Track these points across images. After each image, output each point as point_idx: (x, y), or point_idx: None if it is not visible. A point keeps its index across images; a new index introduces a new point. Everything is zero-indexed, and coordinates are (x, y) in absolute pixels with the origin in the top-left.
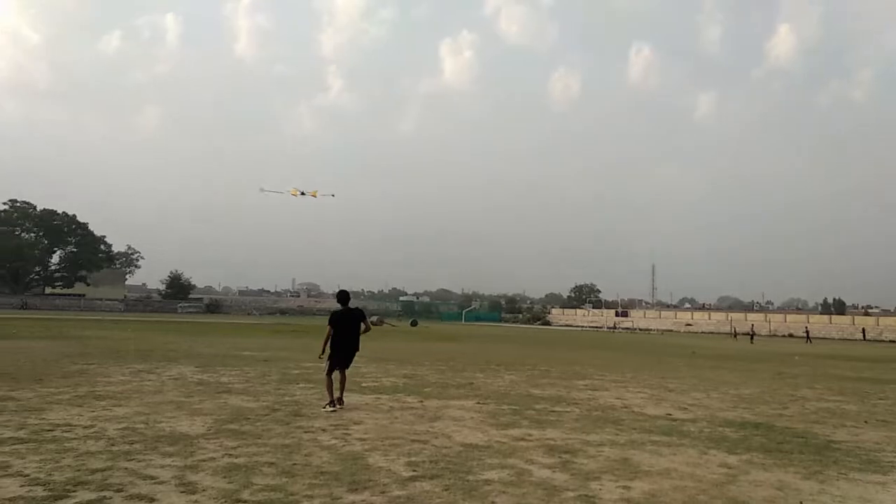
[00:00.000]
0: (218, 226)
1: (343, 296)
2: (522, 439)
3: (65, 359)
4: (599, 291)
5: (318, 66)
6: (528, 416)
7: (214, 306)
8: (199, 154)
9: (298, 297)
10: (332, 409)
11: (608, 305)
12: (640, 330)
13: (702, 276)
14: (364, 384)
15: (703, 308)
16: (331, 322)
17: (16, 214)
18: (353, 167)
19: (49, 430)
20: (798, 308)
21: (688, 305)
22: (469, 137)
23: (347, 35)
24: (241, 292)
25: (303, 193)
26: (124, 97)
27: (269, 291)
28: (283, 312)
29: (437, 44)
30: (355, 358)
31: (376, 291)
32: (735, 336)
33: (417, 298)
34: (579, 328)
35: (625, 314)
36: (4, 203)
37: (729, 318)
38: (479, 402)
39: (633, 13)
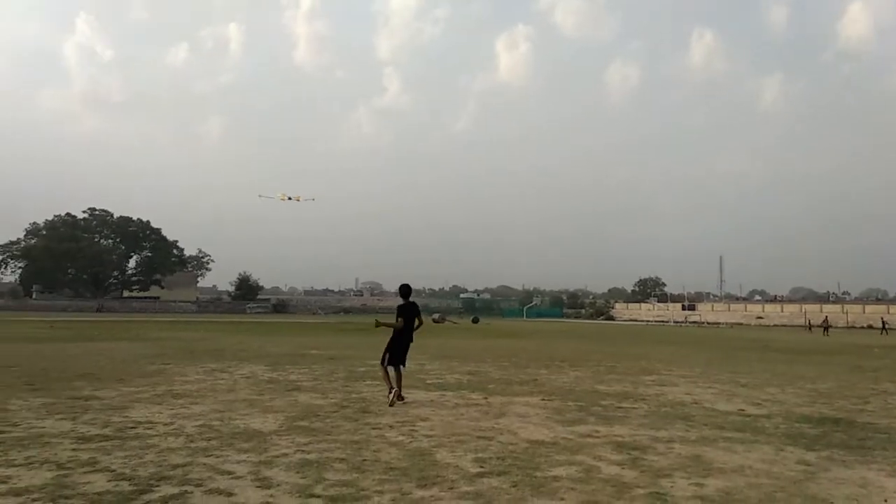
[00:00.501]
0: (282, 227)
1: (405, 289)
2: (589, 436)
3: (143, 359)
4: (664, 285)
5: (375, 69)
6: (594, 412)
7: (281, 306)
8: (262, 159)
9: (362, 295)
10: (391, 395)
11: (674, 299)
12: (709, 324)
13: (772, 267)
14: (428, 381)
15: (774, 300)
16: (399, 314)
17: (95, 222)
18: (411, 166)
19: (132, 428)
20: (878, 298)
21: (758, 298)
22: (525, 132)
23: (403, 36)
24: (306, 292)
25: (289, 198)
26: (190, 106)
27: (333, 291)
28: (346, 311)
29: (493, 39)
30: (414, 356)
31: (437, 289)
32: (809, 328)
33: (478, 295)
34: (644, 323)
35: (692, 308)
36: (84, 211)
37: (803, 310)
38: (543, 399)
39: None
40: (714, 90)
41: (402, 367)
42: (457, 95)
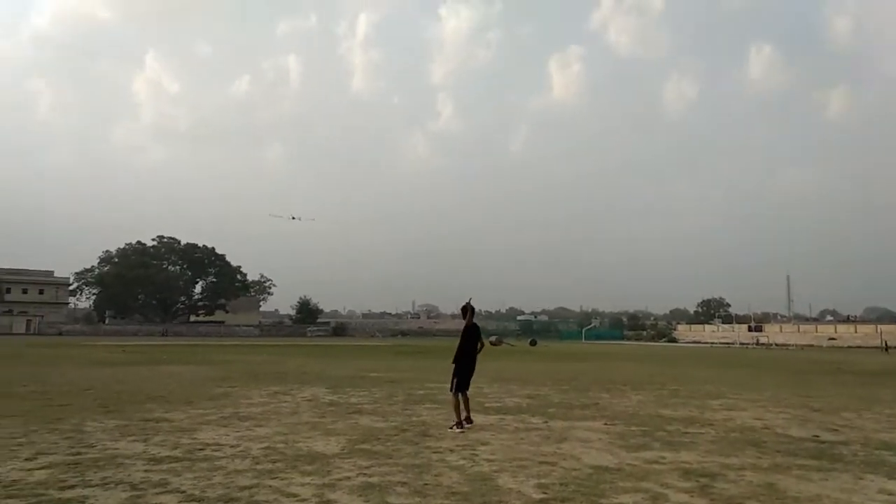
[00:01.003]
0: (341, 251)
1: (468, 310)
2: (655, 462)
3: (210, 382)
4: (729, 305)
5: (428, 94)
6: (659, 437)
7: (340, 329)
8: (320, 185)
9: (418, 318)
10: (459, 429)
11: (739, 320)
12: (777, 345)
13: (844, 286)
14: (487, 404)
15: (847, 320)
16: (464, 337)
17: (163, 249)
18: (465, 188)
19: (200, 449)
20: None
21: (829, 318)
22: (580, 152)
23: (455, 61)
24: (364, 315)
25: (293, 217)
26: (252, 136)
27: (390, 314)
28: (404, 334)
29: (545, 60)
30: (472, 379)
31: (493, 311)
32: (886, 350)
33: (535, 317)
34: (708, 345)
35: (759, 329)
36: (153, 239)
37: (878, 331)
38: (606, 423)
39: (750, 12)
40: (775, 104)
41: (466, 391)
42: (510, 117)
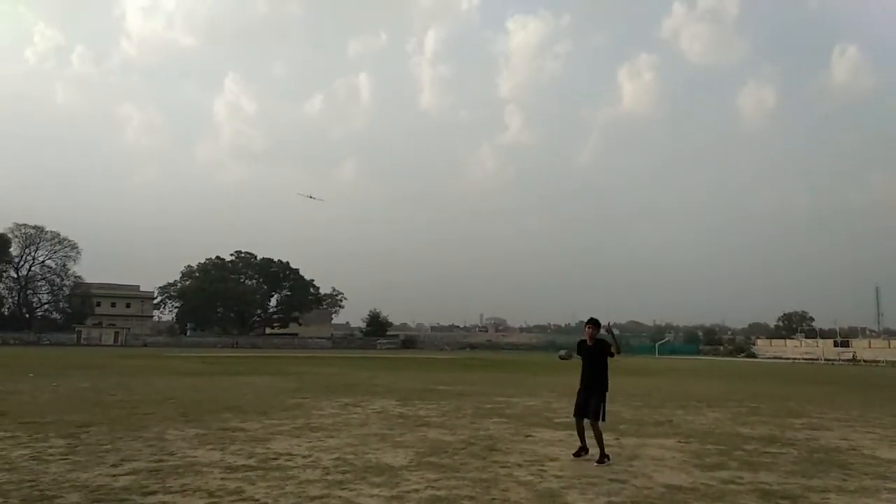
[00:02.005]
0: (410, 265)
1: (597, 321)
2: (732, 482)
3: (283, 393)
4: (812, 319)
5: (496, 107)
6: (736, 457)
7: (409, 342)
8: (391, 200)
9: (486, 331)
10: (575, 456)
11: (824, 335)
12: (865, 362)
13: None
14: (556, 420)
15: None
16: (578, 351)
17: (241, 264)
18: (534, 201)
19: (273, 459)
20: None
21: None
22: (653, 162)
23: (523, 74)
24: (432, 328)
25: (311, 197)
26: (325, 153)
27: (458, 327)
28: (472, 347)
29: (615, 70)
30: (541, 393)
31: (563, 325)
32: None
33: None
34: (790, 360)
35: (845, 344)
36: (231, 254)
37: None
38: (680, 441)
39: (831, 14)
40: (862, 107)
41: (590, 419)
42: (579, 128)
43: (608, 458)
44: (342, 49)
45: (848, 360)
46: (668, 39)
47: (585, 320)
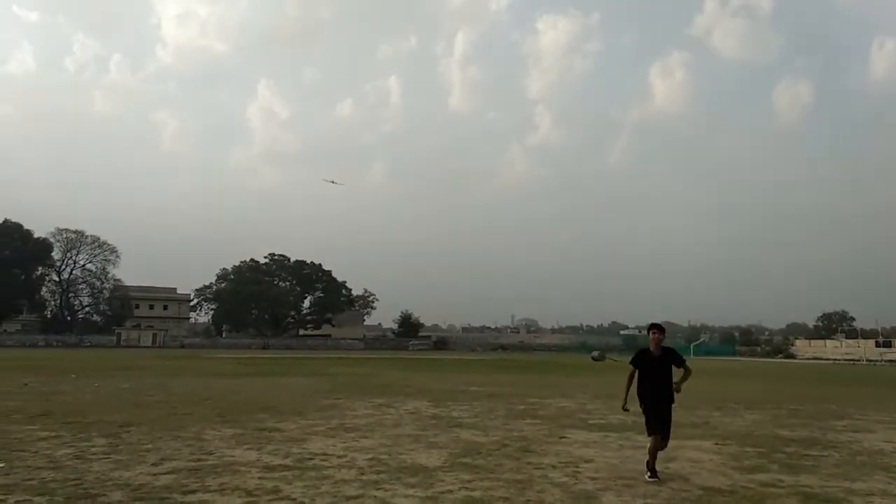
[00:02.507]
0: (442, 266)
1: (655, 331)
2: (772, 485)
3: (318, 394)
4: (853, 319)
5: (526, 108)
6: (776, 459)
7: (441, 343)
8: (422, 201)
9: (518, 332)
10: (651, 478)
11: (865, 335)
12: None
13: None
14: (591, 421)
15: None
16: (633, 362)
17: (274, 266)
18: (565, 202)
19: (309, 459)
20: None
21: None
22: (686, 162)
23: (553, 74)
24: (464, 329)
25: (333, 182)
26: (356, 156)
27: (490, 328)
28: (504, 348)
29: (646, 68)
30: (574, 395)
31: (595, 326)
32: None
33: (640, 332)
34: (831, 361)
35: (888, 344)
36: (265, 257)
37: None
38: (717, 443)
39: (868, 6)
40: None
41: (666, 435)
42: (610, 127)
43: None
44: (372, 52)
45: (891, 361)
46: (700, 36)
47: (647, 326)
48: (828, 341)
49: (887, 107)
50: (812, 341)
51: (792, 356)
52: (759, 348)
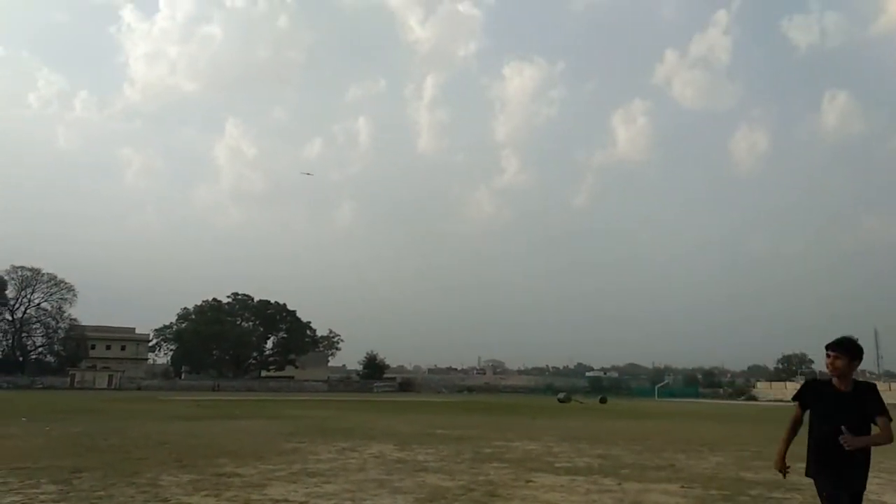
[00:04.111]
0: (407, 306)
1: (849, 346)
2: None
3: (279, 437)
4: (812, 361)
5: (493, 151)
6: (740, 502)
7: (407, 385)
8: (388, 242)
9: (484, 374)
10: None
11: (824, 376)
12: None
13: None
14: (557, 464)
15: None
16: (798, 397)
17: (237, 306)
18: (531, 243)
19: None
20: None
21: None
22: (648, 206)
23: (519, 119)
24: (430, 370)
25: (308, 174)
26: (324, 196)
27: (456, 369)
28: (470, 390)
29: (609, 115)
30: (541, 437)
31: (561, 367)
32: None
33: (605, 374)
34: (792, 403)
35: None
36: (228, 296)
37: None
38: (683, 486)
39: (821, 60)
40: (852, 151)
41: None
42: (575, 171)
43: None
44: (341, 94)
45: None
46: (660, 85)
47: (826, 346)
48: (788, 383)
49: (839, 156)
50: (773, 383)
51: (754, 398)
52: (721, 390)
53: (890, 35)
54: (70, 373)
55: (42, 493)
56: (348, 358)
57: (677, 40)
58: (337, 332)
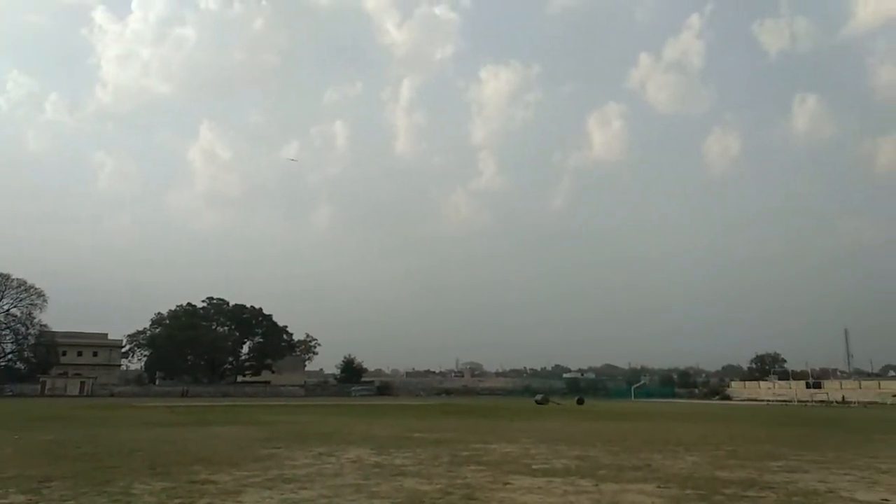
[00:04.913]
0: (385, 309)
1: None
2: None
3: (255, 443)
4: (784, 361)
5: (470, 154)
6: (716, 501)
7: (385, 388)
8: (366, 244)
9: (462, 376)
10: None
11: (796, 376)
12: (837, 403)
13: None
14: (534, 466)
15: None
16: None
17: (212, 310)
18: (509, 245)
19: None
20: None
21: (892, 374)
22: (624, 208)
23: (496, 122)
24: (408, 374)
25: (292, 160)
26: (301, 198)
27: (434, 372)
28: (448, 393)
29: (585, 118)
30: (518, 439)
31: (539, 369)
32: None
33: (582, 375)
34: (764, 402)
35: (817, 385)
36: (203, 301)
37: None
38: (659, 486)
39: (792, 64)
40: (824, 154)
41: None
42: (551, 174)
43: None
44: (318, 97)
45: (821, 402)
46: (635, 89)
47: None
48: (762, 383)
49: (810, 158)
50: (747, 383)
51: (728, 398)
52: (696, 390)
53: (858, 39)
54: (41, 380)
55: None
56: (325, 362)
57: (651, 44)
58: (314, 336)
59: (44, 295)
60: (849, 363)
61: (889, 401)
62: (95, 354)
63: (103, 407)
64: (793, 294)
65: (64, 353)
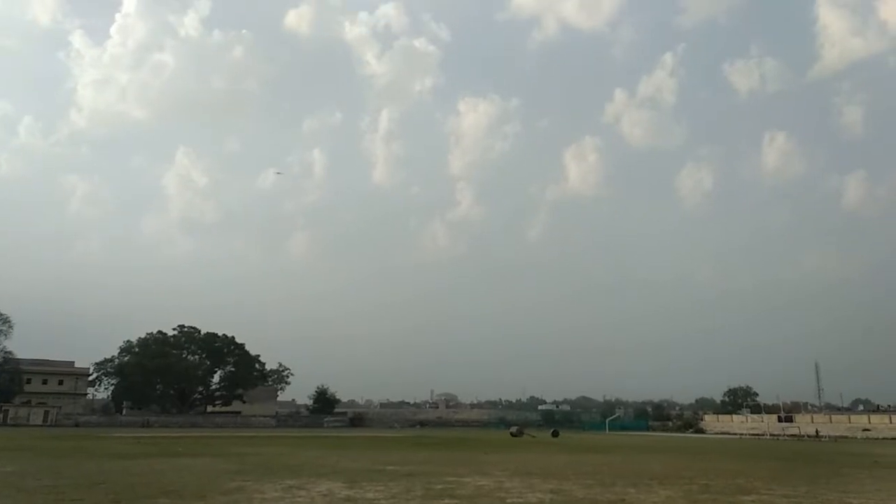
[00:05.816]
0: (359, 339)
1: None
2: None
3: (224, 475)
4: (757, 394)
5: (448, 184)
6: None
7: (358, 419)
8: (341, 272)
9: (437, 408)
10: None
11: (768, 409)
12: (808, 437)
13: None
14: (508, 500)
15: (880, 410)
16: None
17: (183, 339)
18: (485, 276)
19: None
20: None
21: (862, 408)
22: (598, 240)
23: (474, 153)
24: (382, 405)
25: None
26: (277, 226)
27: (408, 403)
28: (422, 424)
29: (561, 151)
30: (492, 472)
31: (514, 400)
32: None
33: (557, 407)
34: (737, 436)
35: (789, 419)
36: (174, 329)
37: None
38: None
39: (761, 103)
40: (793, 190)
41: None
42: (528, 205)
43: None
44: (297, 125)
45: (792, 435)
46: (610, 123)
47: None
48: (735, 416)
49: (779, 194)
50: (720, 416)
51: (702, 431)
52: (670, 423)
53: (825, 80)
54: (2, 408)
55: None
56: (298, 392)
57: (626, 81)
58: (286, 366)
59: (9, 321)
60: (819, 397)
61: (859, 435)
62: (61, 383)
63: (67, 437)
64: (764, 328)
65: (28, 381)
